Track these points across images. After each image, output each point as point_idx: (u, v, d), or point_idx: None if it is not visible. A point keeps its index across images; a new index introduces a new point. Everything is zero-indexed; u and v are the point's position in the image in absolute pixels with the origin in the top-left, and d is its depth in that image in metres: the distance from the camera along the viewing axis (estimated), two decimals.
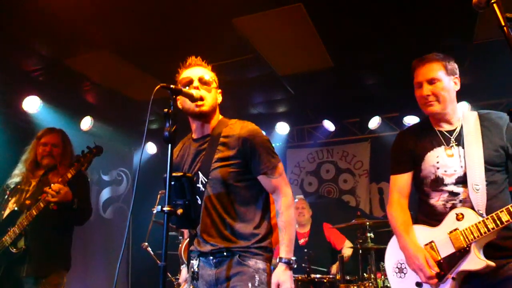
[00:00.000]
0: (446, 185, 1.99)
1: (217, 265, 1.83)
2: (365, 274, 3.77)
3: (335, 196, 6.26)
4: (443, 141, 2.04)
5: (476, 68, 4.72)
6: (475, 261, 1.84)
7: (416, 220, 2.12)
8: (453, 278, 1.88)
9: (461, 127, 2.02)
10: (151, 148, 6.54)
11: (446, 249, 1.93)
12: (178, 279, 3.42)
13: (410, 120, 5.62)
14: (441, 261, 1.93)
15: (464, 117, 2.05)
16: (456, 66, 2.08)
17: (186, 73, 1.94)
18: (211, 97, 1.93)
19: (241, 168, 1.85)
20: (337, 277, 3.59)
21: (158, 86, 1.65)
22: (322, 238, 4.48)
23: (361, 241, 3.81)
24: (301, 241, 4.54)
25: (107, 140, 5.85)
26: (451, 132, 2.04)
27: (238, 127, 1.89)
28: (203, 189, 1.88)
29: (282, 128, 6.12)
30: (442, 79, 2.00)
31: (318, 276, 3.69)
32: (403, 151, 2.11)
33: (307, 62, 4.57)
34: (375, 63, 4.68)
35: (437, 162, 2.01)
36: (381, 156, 5.86)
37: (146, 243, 4.11)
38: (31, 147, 3.03)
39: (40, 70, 4.50)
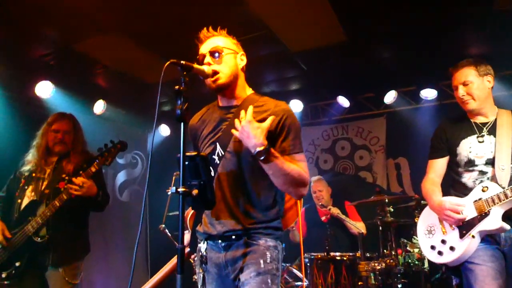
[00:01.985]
0: (477, 165, 2.39)
1: (226, 248, 1.80)
2: (385, 250, 3.71)
3: (351, 173, 6.18)
4: (476, 130, 2.45)
5: (496, 36, 4.50)
6: (493, 222, 2.26)
7: (448, 194, 2.49)
8: (472, 236, 2.30)
9: (495, 120, 2.43)
10: (164, 130, 6.50)
11: (470, 213, 2.35)
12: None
13: (427, 93, 5.45)
14: (464, 222, 2.35)
15: (499, 113, 2.45)
16: (489, 67, 2.46)
17: (200, 50, 1.89)
18: (227, 66, 1.86)
19: (270, 140, 1.78)
20: (357, 255, 3.53)
21: (168, 62, 1.59)
22: (343, 213, 4.42)
23: (380, 217, 3.74)
24: (323, 218, 4.53)
25: (121, 124, 5.83)
26: (484, 124, 2.45)
27: (272, 104, 1.84)
28: (218, 162, 1.84)
29: (296, 106, 6.01)
30: (474, 81, 2.42)
31: (338, 254, 3.65)
32: (442, 139, 2.52)
33: (319, 37, 4.42)
34: (390, 36, 4.49)
35: (470, 147, 2.42)
36: (397, 132, 5.73)
37: (163, 225, 4.12)
38: (42, 132, 3.01)
39: (51, 54, 4.45)
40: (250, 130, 1.67)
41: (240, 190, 1.80)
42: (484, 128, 2.44)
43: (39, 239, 2.76)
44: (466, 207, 2.35)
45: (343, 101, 5.92)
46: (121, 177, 6.11)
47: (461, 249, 2.31)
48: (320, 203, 4.55)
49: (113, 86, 5.43)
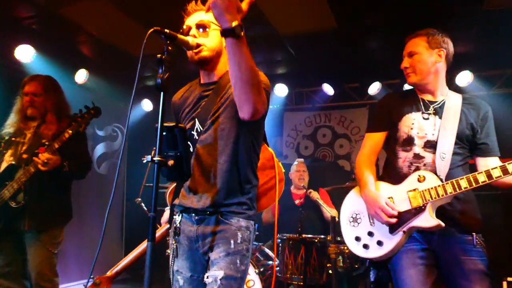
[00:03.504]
0: (415, 145, 2.15)
1: (199, 222, 1.81)
2: None
3: (330, 161, 6.26)
4: (423, 107, 2.21)
5: (482, 36, 4.58)
6: (428, 219, 2.03)
7: (381, 179, 2.26)
8: (404, 232, 2.07)
9: (444, 102, 2.19)
10: (147, 105, 6.44)
11: (403, 206, 2.10)
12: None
13: (411, 87, 5.53)
14: (397, 215, 2.11)
15: (449, 95, 2.23)
16: (444, 39, 2.21)
17: (186, 22, 1.86)
18: (212, 41, 1.82)
19: (239, 122, 1.78)
20: (328, 238, 3.61)
21: (151, 30, 1.55)
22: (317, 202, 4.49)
23: None
24: (297, 201, 4.58)
25: (103, 95, 5.73)
26: (432, 102, 2.21)
27: None
28: (197, 138, 1.83)
29: (281, 90, 6.02)
30: (421, 52, 2.18)
31: (309, 236, 3.72)
32: (384, 111, 2.28)
33: (310, 22, 4.41)
34: (380, 28, 4.52)
35: (412, 124, 2.17)
36: None
37: (140, 199, 4.11)
38: (19, 97, 2.93)
39: (33, 18, 4.32)
40: (231, 2, 1.44)
41: (217, 167, 1.79)
42: (431, 107, 2.19)
43: (14, 204, 2.71)
44: (398, 197, 2.11)
45: (328, 89, 5.95)
46: (99, 149, 6.05)
47: (390, 245, 2.08)
48: (302, 185, 4.60)
49: (97, 55, 5.32)
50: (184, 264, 1.84)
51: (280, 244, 3.81)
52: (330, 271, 3.55)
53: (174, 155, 1.63)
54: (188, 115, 1.90)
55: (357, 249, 2.21)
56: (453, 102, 2.18)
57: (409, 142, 2.15)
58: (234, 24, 1.46)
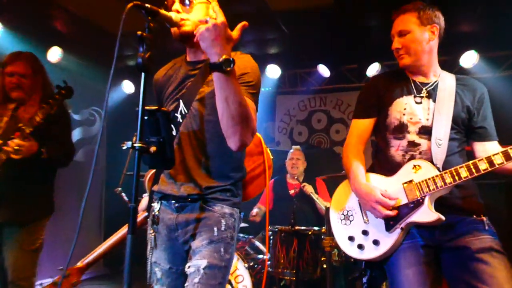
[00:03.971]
0: (408, 132, 2.09)
1: (179, 210, 1.81)
2: None
3: (326, 147, 6.30)
4: (415, 90, 2.14)
5: (488, 16, 4.59)
6: (427, 213, 1.95)
7: (371, 170, 2.19)
8: (401, 229, 2.00)
9: (437, 83, 2.13)
10: (127, 86, 6.37)
11: (398, 199, 2.04)
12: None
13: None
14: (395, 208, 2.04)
15: (442, 75, 2.16)
16: (436, 14, 2.13)
17: None
18: (197, 14, 1.80)
19: None
20: (323, 230, 3.65)
21: (131, 5, 1.52)
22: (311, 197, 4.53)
23: None
24: (292, 191, 4.62)
25: (79, 76, 5.66)
26: (424, 84, 2.14)
27: (239, 61, 1.78)
28: (180, 121, 1.83)
29: (273, 71, 6.00)
30: (413, 30, 2.10)
31: (302, 228, 3.76)
32: (372, 96, 2.21)
33: None
34: (379, 6, 4.49)
35: (404, 109, 2.12)
36: None
37: (120, 188, 4.10)
38: None
39: None
40: (220, 33, 1.50)
41: (201, 152, 1.80)
42: (424, 89, 2.13)
43: None
44: (393, 190, 2.04)
45: (324, 70, 5.93)
46: (76, 134, 5.99)
47: (387, 244, 2.01)
48: (296, 176, 4.65)
49: (72, 32, 5.22)
50: (163, 255, 1.85)
51: (272, 237, 3.85)
52: (325, 265, 3.60)
53: (157, 141, 1.62)
54: (172, 96, 1.89)
55: (351, 250, 2.14)
56: (446, 83, 2.11)
57: (401, 129, 2.09)
58: (222, 58, 1.51)
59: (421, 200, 1.97)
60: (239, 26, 1.58)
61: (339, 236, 2.20)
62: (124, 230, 2.35)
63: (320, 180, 4.65)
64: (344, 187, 2.28)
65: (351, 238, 2.14)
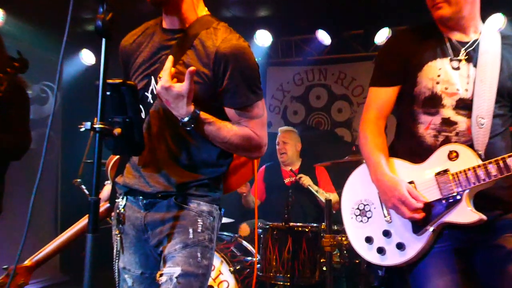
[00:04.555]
0: (443, 106, 1.98)
1: (148, 207, 1.83)
2: None
3: (326, 129, 6.32)
4: (451, 51, 2.02)
5: None
6: (466, 213, 1.86)
7: (393, 153, 2.10)
8: (432, 231, 1.91)
9: (478, 43, 2.02)
10: (87, 57, 6.29)
11: (430, 194, 1.94)
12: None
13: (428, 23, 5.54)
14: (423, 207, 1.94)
15: (483, 32, 2.04)
16: None
17: None
18: None
19: (208, 90, 1.78)
20: (322, 227, 3.68)
21: None
22: (312, 180, 4.57)
23: None
24: (287, 180, 4.64)
25: (27, 44, 5.56)
26: (463, 44, 2.03)
27: (220, 37, 1.78)
28: (151, 101, 1.82)
29: (263, 38, 5.95)
30: None
31: (298, 224, 3.80)
32: (396, 57, 2.10)
33: None
34: None
35: (438, 76, 2.00)
36: None
37: (79, 180, 4.07)
38: None
39: None
40: (169, 98, 1.69)
41: (175, 139, 1.81)
42: (462, 50, 2.02)
43: None
44: (423, 182, 1.97)
45: (324, 37, 5.91)
46: None
47: (415, 248, 1.94)
48: (283, 160, 4.67)
49: None
50: (133, 259, 1.86)
51: (262, 235, 3.87)
52: (324, 268, 3.65)
53: (122, 122, 1.61)
54: (142, 70, 1.88)
55: (369, 254, 2.06)
56: (490, 43, 1.98)
57: (434, 101, 1.99)
58: (183, 120, 1.71)
59: (458, 196, 1.87)
60: (186, 74, 1.66)
61: (353, 236, 2.14)
62: (83, 221, 2.33)
63: (321, 168, 4.67)
64: (360, 173, 2.20)
65: (369, 240, 2.06)
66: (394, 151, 2.10)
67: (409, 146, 2.06)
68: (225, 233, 4.29)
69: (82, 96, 5.61)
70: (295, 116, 6.50)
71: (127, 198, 1.88)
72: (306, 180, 4.41)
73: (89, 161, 4.16)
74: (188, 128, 1.72)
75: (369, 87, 2.16)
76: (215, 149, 1.84)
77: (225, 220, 4.42)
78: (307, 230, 3.75)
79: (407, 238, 1.97)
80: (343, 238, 3.60)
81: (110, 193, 1.97)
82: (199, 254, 1.76)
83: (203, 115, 1.73)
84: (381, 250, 2.03)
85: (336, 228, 3.81)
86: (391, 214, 2.03)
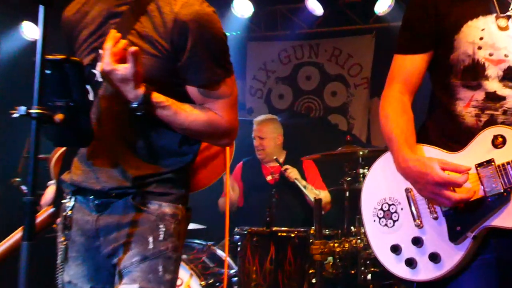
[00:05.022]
0: (487, 77, 1.88)
1: (100, 209, 1.82)
2: (352, 227, 3.93)
3: (317, 115, 6.36)
4: (497, 6, 1.91)
5: None
6: None
7: (423, 137, 2.02)
8: (474, 238, 1.82)
9: None
10: (29, 30, 6.22)
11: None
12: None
13: None
14: (459, 209, 1.85)
15: None
16: None
17: None
18: None
19: (165, 66, 1.79)
20: (311, 231, 3.71)
21: None
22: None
23: (349, 179, 3.92)
24: (269, 178, 4.65)
25: None
26: None
27: (180, 1, 1.78)
28: (101, 80, 1.82)
29: (243, 8, 5.96)
30: None
31: (283, 229, 3.80)
32: (426, 15, 1.99)
33: None
34: None
35: (481, 39, 1.89)
36: (390, 58, 5.83)
37: (18, 179, 4.06)
38: None
39: None
40: (114, 80, 1.70)
41: (130, 126, 1.81)
42: None
43: None
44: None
45: (315, 7, 5.91)
46: None
47: (453, 260, 1.86)
48: (260, 157, 4.68)
49: None
50: (80, 272, 1.85)
51: (239, 242, 3.86)
52: (314, 280, 3.66)
53: (65, 106, 1.60)
54: (88, 44, 1.87)
55: (396, 267, 1.98)
56: None
57: (475, 71, 1.90)
58: (133, 105, 1.72)
59: (505, 194, 1.78)
60: (129, 56, 1.67)
61: (376, 244, 2.08)
62: (18, 234, 2.32)
63: (309, 161, 4.68)
64: (382, 163, 2.11)
65: (395, 248, 1.99)
66: (425, 135, 2.02)
67: (443, 128, 1.99)
68: (196, 241, 4.26)
69: (22, 76, 5.54)
70: (281, 100, 6.52)
71: (75, 199, 1.87)
72: (293, 173, 4.40)
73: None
74: (139, 114, 1.72)
75: (394, 54, 2.07)
76: (178, 134, 1.85)
77: (196, 226, 4.43)
78: (293, 235, 3.75)
79: (443, 247, 1.88)
80: (336, 245, 3.63)
81: (55, 194, 1.95)
82: (160, 268, 1.76)
83: (156, 98, 1.73)
84: (411, 262, 1.94)
85: (327, 232, 3.84)
86: (422, 216, 1.95)
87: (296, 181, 4.37)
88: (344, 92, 6.28)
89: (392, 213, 2.03)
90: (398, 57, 2.05)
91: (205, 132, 1.84)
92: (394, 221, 2.02)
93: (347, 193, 3.95)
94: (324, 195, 4.39)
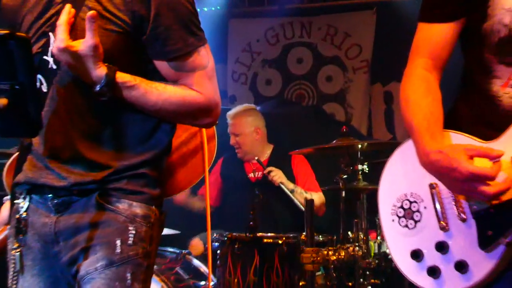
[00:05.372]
0: None
1: (60, 209, 1.81)
2: (349, 232, 3.94)
3: (310, 104, 6.37)
4: None
5: None
6: None
7: (452, 122, 1.97)
8: (507, 244, 1.79)
9: None
10: None
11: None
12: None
13: None
14: (491, 210, 1.82)
15: None
16: None
17: None
18: None
19: (128, 42, 1.79)
20: (302, 237, 3.70)
21: None
22: (287, 174, 4.59)
23: (345, 176, 3.92)
24: (251, 175, 4.68)
25: None
26: None
27: None
28: (54, 67, 1.82)
29: None
30: None
31: (269, 235, 3.80)
32: None
33: None
34: None
35: None
36: (394, 37, 5.85)
37: None
38: None
39: None
40: (71, 61, 1.70)
41: (92, 116, 1.82)
42: None
43: None
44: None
45: None
46: None
47: (483, 270, 1.83)
48: (239, 156, 4.70)
49: None
50: (36, 284, 1.84)
51: (218, 250, 3.86)
52: None
53: (9, 89, 1.58)
54: (37, 28, 1.87)
55: (417, 276, 1.98)
56: None
57: None
58: (96, 89, 1.71)
59: None
60: (87, 24, 1.66)
61: (395, 248, 2.08)
62: None
63: (299, 157, 4.69)
64: (402, 153, 2.08)
65: (417, 255, 1.98)
66: (454, 119, 1.98)
67: (476, 111, 1.96)
68: (168, 249, 4.25)
69: None
70: (268, 87, 6.53)
71: (30, 198, 1.86)
72: (277, 176, 4.40)
73: None
74: (104, 98, 1.71)
75: (418, 22, 2.04)
76: (150, 118, 1.86)
77: (168, 231, 4.41)
78: (280, 242, 3.72)
79: (471, 254, 1.85)
80: (330, 253, 3.61)
81: (9, 212, 1.94)
82: (128, 276, 1.75)
83: (122, 77, 1.73)
84: (434, 271, 1.93)
85: (321, 238, 3.83)
86: (448, 218, 1.92)
87: (281, 185, 4.37)
88: (341, 77, 6.29)
89: (413, 212, 2.01)
90: (422, 26, 2.02)
91: (182, 112, 1.85)
92: (416, 222, 2.01)
93: (343, 193, 3.91)
94: (317, 196, 4.41)
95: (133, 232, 1.78)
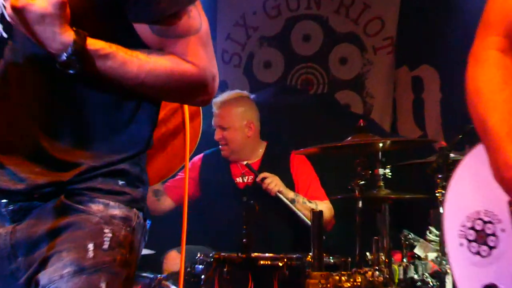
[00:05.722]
0: None
1: (17, 217, 1.81)
2: (367, 253, 3.92)
3: (319, 92, 6.38)
4: None
5: None
6: None
7: None
8: None
9: None
10: None
11: None
12: None
13: None
14: None
15: None
16: None
17: None
18: None
19: (102, 3, 1.77)
20: (307, 258, 3.68)
21: None
22: (284, 179, 4.59)
23: (362, 182, 3.88)
24: (239, 180, 4.70)
25: None
26: None
27: None
28: (6, 36, 1.81)
29: None
30: None
31: (266, 255, 3.81)
32: None
33: None
34: None
35: None
36: (425, 8, 5.89)
37: None
38: None
39: None
40: (29, 23, 1.65)
41: (57, 96, 1.81)
42: None
43: None
44: None
45: None
46: None
47: None
48: (223, 154, 4.72)
49: None
50: None
51: (203, 275, 3.87)
52: None
53: None
54: None
55: None
56: None
57: None
58: (61, 58, 1.65)
59: None
60: None
61: (463, 279, 2.11)
62: None
63: (300, 158, 4.73)
64: (475, 162, 2.09)
65: None
66: None
67: None
68: (141, 274, 4.25)
69: None
70: (268, 70, 6.55)
71: None
72: (273, 183, 4.42)
73: None
74: (72, 72, 1.68)
75: None
76: (126, 108, 1.87)
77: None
78: (281, 264, 3.70)
79: None
80: (344, 278, 3.59)
81: None
82: (103, 286, 1.73)
83: (93, 44, 1.69)
84: None
85: (332, 260, 3.85)
86: None
87: (278, 195, 4.36)
88: (359, 58, 6.29)
89: (488, 235, 2.01)
90: None
91: (170, 87, 1.83)
92: (491, 248, 2.02)
93: (360, 203, 3.89)
94: (324, 207, 4.42)
95: (109, 235, 1.77)
